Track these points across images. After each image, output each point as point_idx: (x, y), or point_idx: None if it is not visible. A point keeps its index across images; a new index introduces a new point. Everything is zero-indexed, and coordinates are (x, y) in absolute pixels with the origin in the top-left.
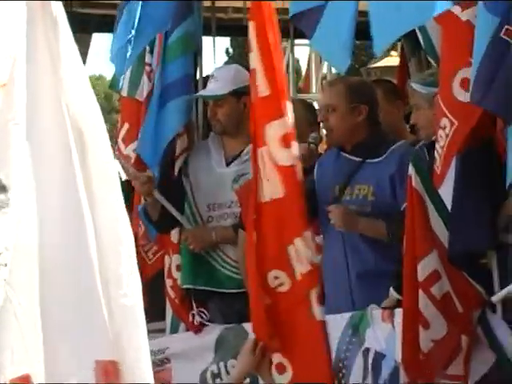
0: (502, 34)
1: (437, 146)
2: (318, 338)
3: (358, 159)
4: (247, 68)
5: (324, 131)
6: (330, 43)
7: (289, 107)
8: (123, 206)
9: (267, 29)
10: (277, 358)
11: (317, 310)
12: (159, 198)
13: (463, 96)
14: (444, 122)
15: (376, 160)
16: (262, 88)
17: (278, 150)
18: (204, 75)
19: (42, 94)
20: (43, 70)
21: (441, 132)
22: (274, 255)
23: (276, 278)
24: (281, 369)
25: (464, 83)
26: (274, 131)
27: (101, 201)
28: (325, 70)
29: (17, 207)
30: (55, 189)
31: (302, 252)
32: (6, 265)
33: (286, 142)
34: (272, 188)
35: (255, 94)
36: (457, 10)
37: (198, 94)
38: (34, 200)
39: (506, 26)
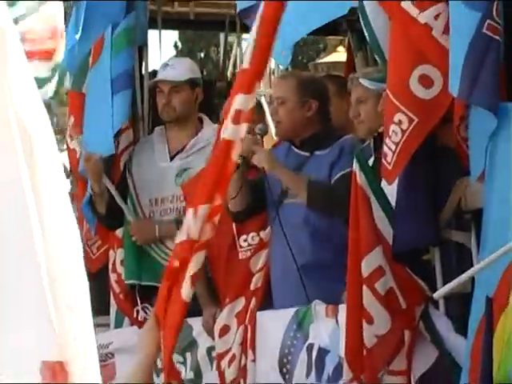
0: (485, 30)
1: (388, 141)
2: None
3: (306, 154)
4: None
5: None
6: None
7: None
8: (69, 204)
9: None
10: None
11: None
12: (107, 181)
13: (423, 93)
14: (399, 117)
15: (322, 153)
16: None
17: (228, 122)
18: (150, 69)
19: None
20: None
21: (394, 127)
22: None
23: None
24: None
25: (424, 80)
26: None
27: (47, 200)
28: (272, 65)
29: None
30: (1, 189)
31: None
32: None
33: (237, 118)
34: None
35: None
36: (413, 11)
37: (155, 79)
38: None
39: (488, 21)
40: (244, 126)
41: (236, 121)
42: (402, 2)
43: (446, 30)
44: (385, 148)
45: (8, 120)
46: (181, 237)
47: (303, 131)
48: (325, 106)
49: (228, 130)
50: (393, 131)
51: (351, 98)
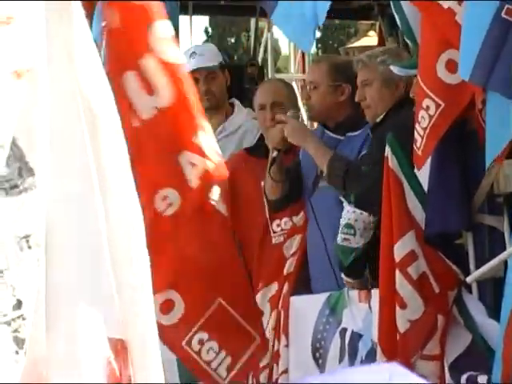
0: (504, 14)
1: (417, 126)
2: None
3: (340, 137)
4: (223, 48)
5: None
6: (292, 21)
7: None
8: (133, 186)
9: None
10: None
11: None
12: None
13: (450, 78)
14: (427, 102)
15: (354, 134)
16: None
17: (166, 48)
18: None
19: (58, 84)
20: (60, 60)
21: (423, 113)
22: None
23: (165, 197)
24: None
25: (450, 65)
26: (157, 33)
27: (113, 187)
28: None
29: (42, 190)
30: (71, 174)
31: (204, 144)
32: (38, 245)
33: (172, 41)
34: (162, 95)
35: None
36: None
37: (191, 68)
38: (52, 184)
39: (507, 6)
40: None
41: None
42: None
43: None
44: (415, 134)
45: (75, 99)
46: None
47: (336, 115)
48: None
49: (170, 52)
50: (422, 117)
51: (357, 80)
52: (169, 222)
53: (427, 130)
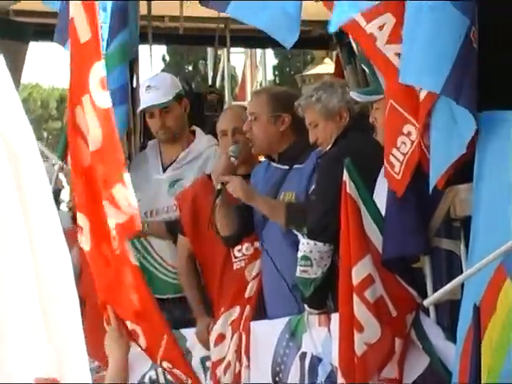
0: (471, 36)
1: (396, 152)
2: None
3: (285, 167)
4: (181, 76)
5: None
6: (268, 12)
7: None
8: (59, 228)
9: None
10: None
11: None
12: None
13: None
14: (408, 128)
15: (301, 166)
16: (83, 34)
17: (98, 92)
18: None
19: None
20: None
21: (404, 138)
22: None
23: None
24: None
25: None
26: (94, 74)
27: (38, 225)
28: (260, 77)
29: None
30: None
31: (120, 197)
32: None
33: (103, 84)
34: (93, 139)
35: (75, 41)
36: (362, 22)
37: (144, 105)
38: None
39: (473, 28)
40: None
41: (104, 87)
42: (355, 15)
43: (393, 39)
44: (391, 159)
45: None
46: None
47: (279, 145)
48: (299, 119)
49: (100, 97)
50: (402, 142)
51: (306, 122)
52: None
53: (408, 155)
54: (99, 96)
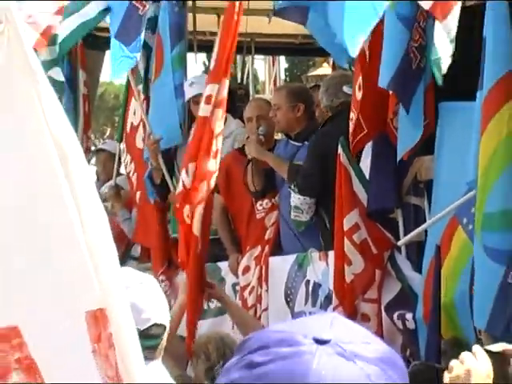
0: (410, 50)
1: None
2: None
3: (299, 144)
4: None
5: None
6: (327, 38)
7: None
8: (104, 214)
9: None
10: None
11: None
12: (160, 161)
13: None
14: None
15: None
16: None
17: (202, 103)
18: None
19: (29, 123)
20: (29, 101)
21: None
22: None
23: None
24: None
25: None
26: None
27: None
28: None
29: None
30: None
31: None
32: None
33: (208, 100)
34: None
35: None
36: None
37: (190, 95)
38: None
39: (411, 43)
40: (212, 107)
41: (207, 102)
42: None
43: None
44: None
45: (44, 141)
46: (178, 189)
47: (295, 127)
48: (310, 108)
49: (203, 109)
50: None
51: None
52: None
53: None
54: (202, 107)
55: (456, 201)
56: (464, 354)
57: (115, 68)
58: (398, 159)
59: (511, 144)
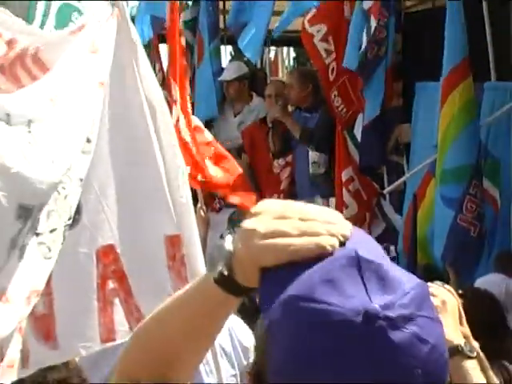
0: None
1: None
2: None
3: (308, 115)
4: (244, 62)
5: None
6: (247, 37)
7: None
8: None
9: None
10: None
11: None
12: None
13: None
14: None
15: (316, 114)
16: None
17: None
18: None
19: (129, 89)
20: (131, 72)
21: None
22: None
23: None
24: None
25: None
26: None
27: (166, 144)
28: (286, 62)
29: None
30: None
31: None
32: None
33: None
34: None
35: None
36: (307, 24)
37: (222, 78)
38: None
39: (371, 38)
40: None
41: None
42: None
43: (324, 39)
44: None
45: (141, 98)
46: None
47: (306, 102)
48: (317, 86)
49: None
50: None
51: None
52: None
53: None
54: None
55: (428, 158)
56: (435, 286)
57: None
58: (364, 125)
59: (462, 116)
